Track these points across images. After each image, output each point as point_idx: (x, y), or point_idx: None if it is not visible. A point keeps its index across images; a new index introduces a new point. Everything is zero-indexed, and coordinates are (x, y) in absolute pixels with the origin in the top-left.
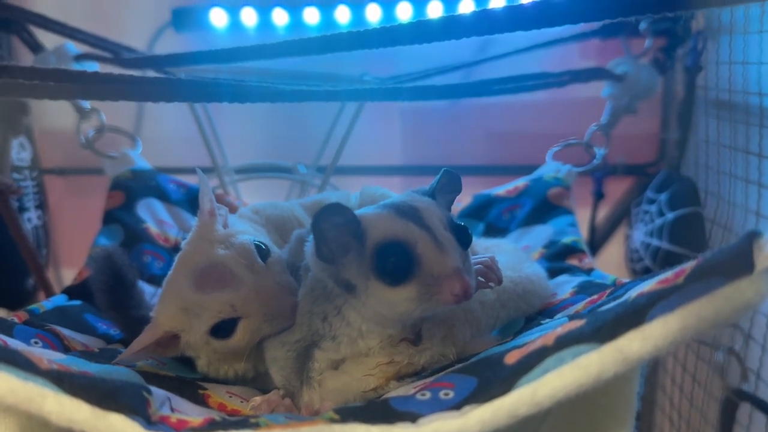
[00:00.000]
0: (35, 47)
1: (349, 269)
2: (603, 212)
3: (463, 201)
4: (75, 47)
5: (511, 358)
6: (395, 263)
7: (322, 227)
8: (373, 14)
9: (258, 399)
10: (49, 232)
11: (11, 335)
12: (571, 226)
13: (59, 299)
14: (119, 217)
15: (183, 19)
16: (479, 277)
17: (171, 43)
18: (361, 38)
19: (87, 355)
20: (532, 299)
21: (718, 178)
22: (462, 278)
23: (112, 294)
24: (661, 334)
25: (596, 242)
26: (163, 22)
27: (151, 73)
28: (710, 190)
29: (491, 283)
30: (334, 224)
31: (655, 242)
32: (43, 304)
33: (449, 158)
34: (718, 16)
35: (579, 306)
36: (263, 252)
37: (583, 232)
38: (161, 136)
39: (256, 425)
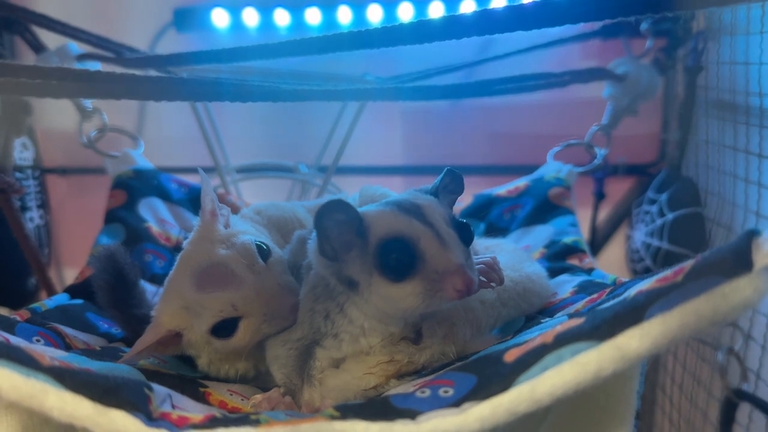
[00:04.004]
0: (37, 47)
1: (352, 266)
2: (604, 212)
3: (463, 201)
4: (77, 47)
5: (510, 356)
6: (398, 259)
7: (324, 224)
8: (375, 15)
9: (259, 397)
10: (51, 231)
11: (13, 333)
12: (572, 226)
13: (61, 298)
14: (121, 216)
15: (185, 19)
16: (481, 277)
17: (173, 44)
18: (363, 38)
19: (89, 353)
20: (532, 298)
21: (719, 179)
22: (465, 274)
23: (114, 293)
24: (660, 332)
25: (597, 242)
26: (165, 22)
27: (153, 73)
28: (711, 190)
29: (493, 283)
30: (337, 221)
31: (655, 242)
32: (45, 302)
33: (450, 158)
34: (719, 16)
35: (579, 305)
36: (264, 252)
37: (584, 233)
38: (163, 135)
39: (257, 422)
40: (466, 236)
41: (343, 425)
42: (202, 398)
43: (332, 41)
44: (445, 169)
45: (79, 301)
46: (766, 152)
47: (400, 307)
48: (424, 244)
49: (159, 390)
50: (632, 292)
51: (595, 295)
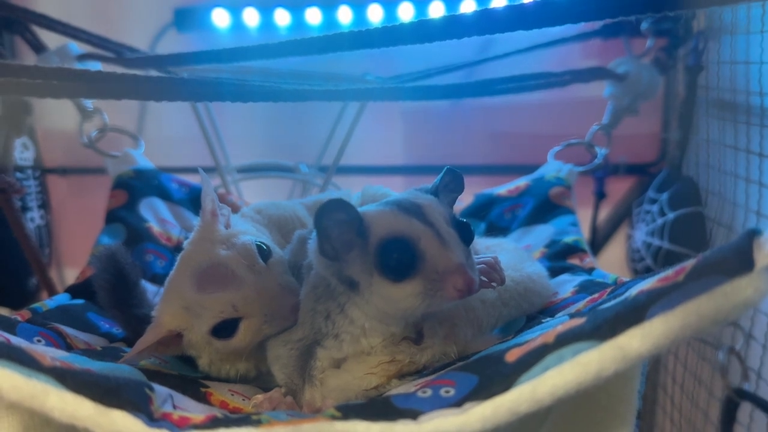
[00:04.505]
0: (38, 47)
1: (352, 266)
2: (604, 212)
3: (464, 200)
4: (77, 47)
5: (511, 356)
6: (399, 259)
7: (324, 224)
8: (375, 14)
9: (260, 397)
10: (52, 231)
11: (14, 333)
12: (573, 225)
13: (62, 298)
14: (122, 216)
15: (185, 19)
16: (482, 277)
17: (173, 44)
18: (363, 38)
19: (90, 353)
20: (533, 298)
21: (720, 178)
22: (465, 273)
23: (115, 293)
24: (662, 332)
25: (598, 242)
26: (166, 22)
27: (153, 73)
28: (711, 189)
29: (494, 283)
30: (337, 221)
31: (656, 242)
32: (46, 302)
33: (451, 158)
34: (720, 15)
35: (580, 305)
36: (264, 252)
37: (585, 232)
38: (163, 135)
39: (258, 422)
40: (466, 236)
41: (344, 425)
42: (203, 398)
43: (333, 41)
44: (445, 168)
45: (80, 301)
46: (767, 151)
47: (401, 307)
48: (425, 243)
49: (160, 390)
50: (633, 291)
51: (596, 295)
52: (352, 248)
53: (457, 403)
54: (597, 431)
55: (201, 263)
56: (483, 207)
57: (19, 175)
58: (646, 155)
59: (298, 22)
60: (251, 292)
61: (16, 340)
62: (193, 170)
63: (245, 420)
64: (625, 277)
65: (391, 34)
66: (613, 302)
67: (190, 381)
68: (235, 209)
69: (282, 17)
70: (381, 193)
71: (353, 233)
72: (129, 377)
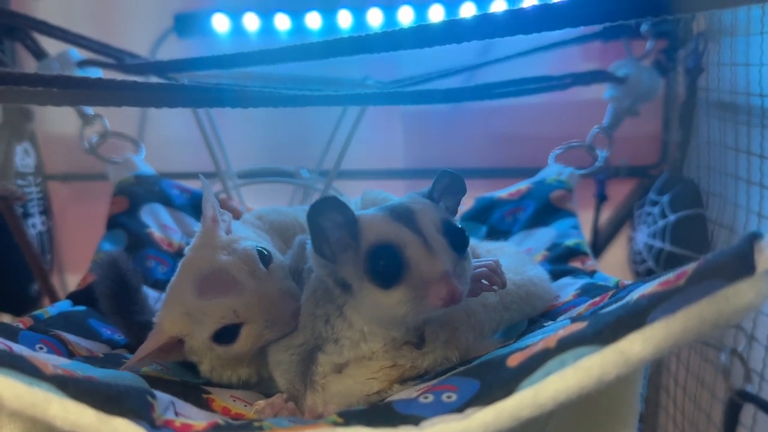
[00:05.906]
0: (38, 54)
1: (345, 268)
2: (606, 214)
3: (465, 204)
4: (78, 53)
5: (513, 361)
6: (386, 266)
7: (321, 224)
8: (375, 19)
9: (261, 403)
10: (54, 237)
11: (16, 341)
12: (574, 228)
13: (64, 305)
14: (123, 222)
15: (185, 24)
16: (483, 281)
17: (173, 49)
18: (363, 42)
19: (91, 360)
20: (535, 302)
21: (721, 180)
22: (449, 282)
23: (117, 299)
24: (663, 336)
25: (599, 244)
26: (166, 28)
27: (154, 79)
28: (712, 191)
29: (495, 287)
30: (334, 222)
31: (657, 244)
32: (48, 309)
33: (451, 161)
34: (719, 17)
35: (581, 308)
36: (265, 258)
37: (586, 235)
38: (164, 141)
39: (260, 429)
40: (458, 242)
41: (346, 431)
42: (205, 405)
43: (333, 46)
44: (440, 171)
45: (81, 308)
46: (767, 153)
47: (390, 314)
48: (411, 251)
49: (162, 397)
50: (635, 295)
51: (597, 298)
52: (346, 249)
53: (459, 408)
54: None
55: (202, 269)
56: (484, 210)
57: (20, 181)
58: (646, 157)
59: (298, 26)
60: (252, 298)
61: (18, 348)
62: (194, 175)
63: (247, 426)
64: (627, 280)
65: (391, 39)
66: (614, 306)
67: (192, 387)
68: (236, 214)
69: (282, 22)
70: (381, 198)
71: (348, 235)
72: (131, 384)
